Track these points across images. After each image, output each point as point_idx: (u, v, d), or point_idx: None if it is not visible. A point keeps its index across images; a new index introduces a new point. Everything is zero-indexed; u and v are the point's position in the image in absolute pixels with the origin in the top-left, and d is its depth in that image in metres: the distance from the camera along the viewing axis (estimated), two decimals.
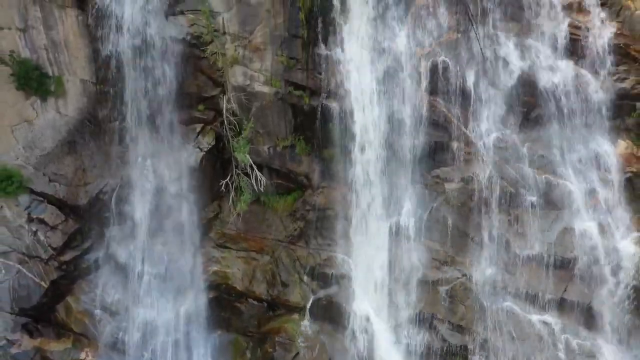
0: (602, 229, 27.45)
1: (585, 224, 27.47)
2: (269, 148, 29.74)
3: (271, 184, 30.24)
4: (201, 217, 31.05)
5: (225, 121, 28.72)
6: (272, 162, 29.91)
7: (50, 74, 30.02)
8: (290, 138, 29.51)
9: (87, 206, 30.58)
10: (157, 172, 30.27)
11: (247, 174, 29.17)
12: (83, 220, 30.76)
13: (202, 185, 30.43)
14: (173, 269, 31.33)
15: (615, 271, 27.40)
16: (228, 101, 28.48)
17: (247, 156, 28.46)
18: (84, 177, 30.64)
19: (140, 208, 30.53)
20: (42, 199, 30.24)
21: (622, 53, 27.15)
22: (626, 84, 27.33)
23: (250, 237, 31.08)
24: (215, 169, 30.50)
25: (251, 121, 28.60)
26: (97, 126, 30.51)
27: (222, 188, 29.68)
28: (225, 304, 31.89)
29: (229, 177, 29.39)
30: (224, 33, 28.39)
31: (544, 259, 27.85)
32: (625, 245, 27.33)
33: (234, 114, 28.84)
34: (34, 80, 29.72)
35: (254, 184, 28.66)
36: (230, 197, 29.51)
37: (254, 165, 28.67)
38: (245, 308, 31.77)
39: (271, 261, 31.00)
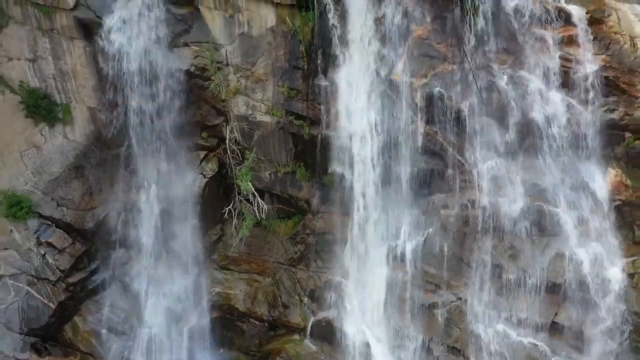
0: (592, 255, 28.19)
1: (576, 251, 28.21)
2: (270, 174, 30.64)
3: (272, 208, 31.18)
4: (205, 240, 32.08)
5: (228, 150, 29.64)
6: (273, 187, 30.82)
7: (59, 101, 31.02)
8: (291, 165, 30.40)
9: (94, 229, 31.59)
10: (162, 196, 31.19)
11: (249, 201, 30.06)
12: (90, 243, 31.77)
13: (205, 210, 31.39)
14: (177, 289, 32.32)
15: (605, 296, 28.18)
16: (231, 131, 29.39)
17: (249, 184, 29.35)
18: (90, 202, 31.57)
19: (145, 231, 31.51)
20: (50, 223, 31.21)
21: (611, 85, 27.83)
22: (615, 115, 28.02)
23: (252, 260, 32.04)
24: (218, 194, 31.47)
25: (253, 151, 29.50)
26: (104, 152, 31.43)
27: (225, 215, 30.56)
28: (228, 324, 32.89)
29: (231, 204, 30.24)
30: (227, 65, 29.27)
31: (535, 284, 28.65)
32: (615, 271, 28.10)
33: (236, 143, 29.72)
34: (42, 108, 30.71)
35: (256, 211, 29.48)
36: (233, 224, 30.35)
37: (255, 193, 29.52)
38: (247, 328, 32.76)
39: (272, 283, 31.95)
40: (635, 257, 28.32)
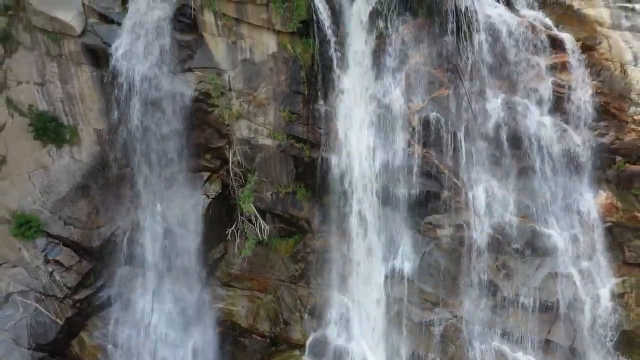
0: (584, 275, 29.01)
1: (568, 270, 29.01)
2: (271, 194, 31.50)
3: (274, 227, 32.00)
4: (208, 258, 32.90)
5: (231, 173, 30.49)
6: (274, 207, 31.67)
7: (66, 123, 31.87)
8: (291, 185, 31.22)
9: (100, 248, 32.38)
10: (167, 216, 32.03)
11: (251, 221, 30.92)
12: (96, 261, 32.54)
13: (209, 229, 32.19)
14: (181, 306, 33.15)
15: (596, 314, 29.03)
16: (234, 154, 30.26)
17: (252, 206, 30.20)
18: (97, 220, 32.39)
19: (150, 249, 32.34)
20: (57, 241, 32.04)
21: (602, 110, 28.63)
22: (606, 139, 28.83)
23: (254, 277, 32.87)
24: (221, 214, 32.28)
25: (255, 174, 30.36)
26: (109, 172, 32.24)
27: (229, 236, 31.47)
28: (230, 339, 33.73)
29: (234, 225, 31.11)
30: (230, 89, 30.14)
31: (529, 302, 29.48)
32: (605, 291, 28.96)
33: (239, 166, 30.60)
34: (50, 131, 31.59)
35: (258, 232, 30.35)
36: (236, 243, 31.22)
37: (257, 215, 30.37)
38: (249, 343, 33.61)
39: (274, 300, 32.81)
40: (626, 277, 29.09)
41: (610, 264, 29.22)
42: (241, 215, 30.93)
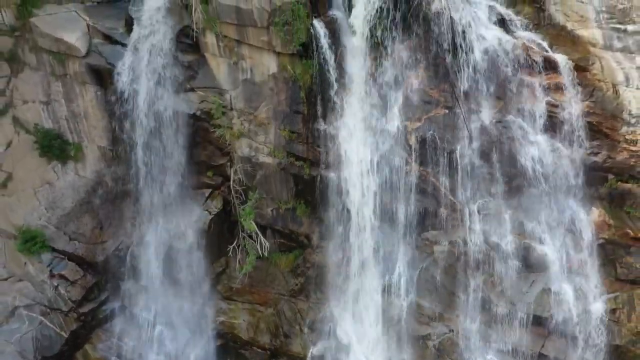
0: (577, 291, 29.65)
1: (561, 286, 29.65)
2: (272, 210, 32.18)
3: (274, 242, 32.69)
4: (209, 272, 33.56)
5: (233, 190, 31.19)
6: (275, 223, 32.34)
7: (71, 141, 32.65)
8: (292, 202, 31.90)
9: (104, 262, 33.07)
10: (169, 231, 32.76)
11: (252, 237, 31.61)
12: (100, 275, 33.25)
13: (210, 244, 32.90)
14: (183, 319, 33.88)
15: (588, 330, 29.69)
16: (235, 173, 30.96)
17: (253, 223, 30.88)
18: (101, 235, 33.10)
19: (153, 264, 33.05)
20: (62, 256, 32.71)
21: (594, 129, 29.27)
22: (598, 158, 29.44)
23: (255, 291, 33.54)
24: (222, 230, 32.98)
25: (256, 192, 31.06)
26: (113, 188, 32.99)
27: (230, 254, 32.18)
28: (231, 351, 34.50)
29: (235, 241, 31.80)
30: (231, 109, 30.83)
31: (523, 317, 30.13)
32: (598, 306, 29.59)
33: (240, 184, 31.29)
34: (55, 148, 32.36)
35: (259, 249, 31.04)
36: (237, 259, 31.92)
37: (258, 232, 31.06)
38: (250, 355, 34.34)
39: (274, 313, 33.50)
40: (618, 293, 29.73)
41: (603, 280, 29.81)
42: (242, 231, 31.58)
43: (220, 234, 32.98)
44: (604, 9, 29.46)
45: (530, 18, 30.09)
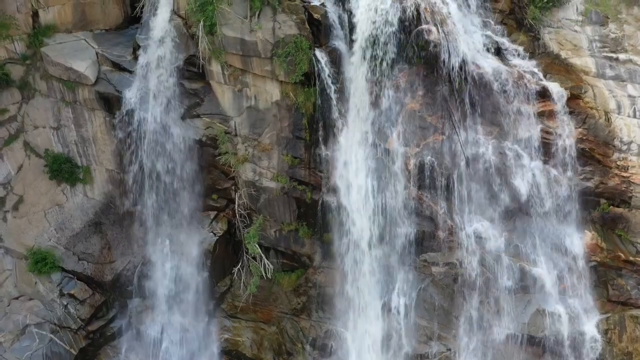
0: (570, 312, 30.65)
1: (555, 307, 30.66)
2: (275, 231, 33.11)
3: (277, 262, 33.63)
4: (214, 291, 34.53)
5: (237, 214, 32.13)
6: (278, 244, 33.27)
7: (80, 164, 33.55)
8: (294, 224, 32.81)
9: (112, 281, 33.91)
10: (175, 251, 33.68)
11: (256, 259, 32.52)
12: (108, 294, 34.12)
13: (215, 264, 33.84)
14: (189, 336, 34.77)
15: (581, 350, 30.63)
16: (239, 197, 31.89)
17: (257, 246, 31.78)
18: (109, 255, 33.96)
19: (159, 283, 33.95)
20: (72, 276, 33.60)
21: (587, 156, 30.29)
22: (591, 183, 30.47)
23: (258, 309, 34.47)
24: (227, 251, 33.92)
25: (260, 217, 32.02)
26: (121, 209, 33.89)
27: (235, 275, 33.13)
28: None
29: (240, 263, 32.75)
30: (236, 135, 31.79)
31: (518, 337, 31.09)
32: (590, 327, 30.60)
33: (245, 207, 32.23)
34: (65, 171, 33.22)
35: (263, 271, 31.98)
36: (242, 280, 32.84)
37: (262, 255, 31.99)
38: None
39: (277, 331, 34.45)
40: (609, 314, 30.77)
41: (595, 302, 30.85)
42: (246, 253, 32.47)
43: (225, 254, 33.92)
44: (596, 37, 30.57)
45: (525, 46, 31.27)
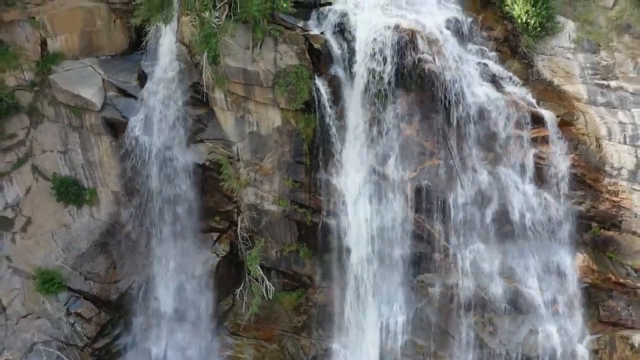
0: (562, 332, 31.46)
1: (548, 327, 31.46)
2: (276, 252, 34.01)
3: (278, 282, 34.54)
4: (217, 309, 35.45)
5: (239, 237, 33.01)
6: (279, 265, 34.19)
7: (86, 186, 34.44)
8: (295, 245, 33.70)
9: (118, 300, 34.89)
10: (179, 271, 34.62)
11: (257, 280, 33.39)
12: (114, 312, 35.05)
13: (218, 284, 34.75)
14: (192, 353, 35.69)
15: None
16: (241, 220, 32.79)
17: (258, 268, 32.65)
18: (114, 275, 34.89)
19: (163, 301, 34.91)
20: (78, 295, 34.50)
21: (579, 180, 31.10)
22: (582, 207, 31.31)
23: (260, 327, 35.37)
24: (229, 271, 34.80)
25: (262, 240, 32.91)
26: (126, 230, 34.77)
27: (237, 295, 34.02)
28: None
29: (242, 284, 33.64)
30: (238, 160, 32.67)
31: (512, 356, 31.92)
32: (581, 347, 31.43)
33: (247, 230, 33.12)
34: (72, 194, 34.12)
35: (264, 293, 32.86)
36: (244, 301, 33.72)
37: (264, 277, 32.87)
38: None
39: (278, 349, 35.37)
40: (600, 335, 31.57)
41: (587, 322, 31.68)
42: (248, 274, 33.35)
43: (228, 274, 34.81)
44: (588, 65, 31.35)
45: (519, 73, 32.00)
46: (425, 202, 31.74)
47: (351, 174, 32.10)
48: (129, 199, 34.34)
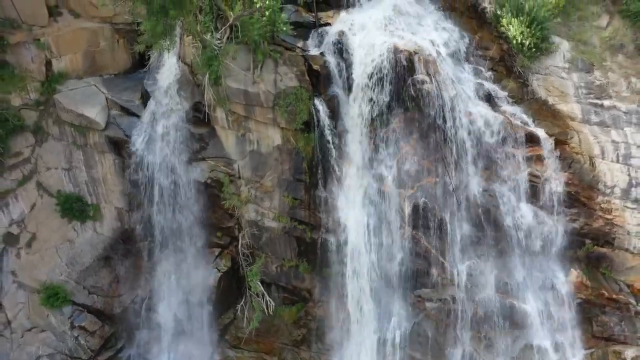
0: (557, 347, 32.02)
1: (542, 342, 32.01)
2: (276, 267, 34.66)
3: (278, 296, 35.18)
4: (218, 323, 36.09)
5: (241, 254, 33.65)
6: (279, 280, 34.84)
7: (90, 202, 35.07)
8: (295, 260, 34.37)
9: (121, 314, 35.59)
10: (181, 286, 35.27)
11: (258, 295, 34.05)
12: (117, 325, 35.74)
13: (219, 298, 35.35)
14: None
15: None
16: (242, 237, 33.43)
17: (259, 284, 33.31)
18: (118, 289, 35.57)
19: (166, 315, 35.55)
20: (82, 309, 35.17)
21: (573, 198, 31.61)
22: (576, 224, 31.82)
23: (260, 341, 36.01)
24: (231, 285, 35.42)
25: (263, 257, 33.55)
26: (129, 245, 35.48)
27: (238, 311, 34.65)
28: None
29: (243, 299, 34.28)
30: (239, 177, 33.31)
31: None
32: None
33: (247, 247, 33.76)
34: (76, 210, 34.75)
35: (265, 308, 33.50)
36: (245, 316, 34.36)
37: (265, 293, 33.51)
38: None
39: None
40: (593, 349, 32.10)
41: (580, 337, 32.19)
42: (249, 289, 33.99)
43: (229, 289, 35.45)
44: (582, 84, 31.87)
45: (514, 92, 32.52)
46: (423, 219, 32.25)
47: (350, 191, 32.69)
48: (132, 215, 34.94)
